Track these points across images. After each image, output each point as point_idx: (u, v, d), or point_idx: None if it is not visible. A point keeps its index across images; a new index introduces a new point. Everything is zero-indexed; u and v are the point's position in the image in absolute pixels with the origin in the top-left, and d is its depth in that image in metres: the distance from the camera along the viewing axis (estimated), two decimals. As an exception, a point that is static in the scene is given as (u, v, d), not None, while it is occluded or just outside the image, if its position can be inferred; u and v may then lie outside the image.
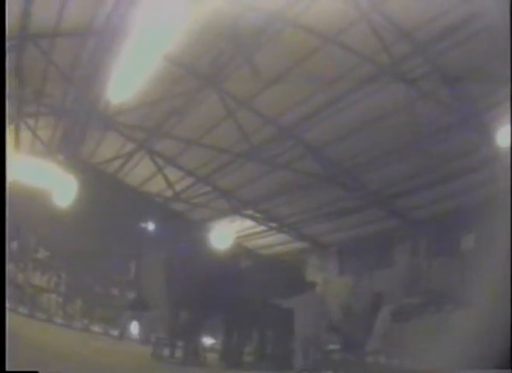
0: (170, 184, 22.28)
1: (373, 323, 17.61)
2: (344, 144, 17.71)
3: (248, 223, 24.87)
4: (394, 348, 16.72)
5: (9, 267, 19.55)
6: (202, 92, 17.13)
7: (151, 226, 25.95)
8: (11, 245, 20.98)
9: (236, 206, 23.76)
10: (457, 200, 18.30)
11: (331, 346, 18.21)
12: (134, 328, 23.47)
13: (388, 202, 20.37)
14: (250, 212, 24.14)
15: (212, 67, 15.64)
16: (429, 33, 12.81)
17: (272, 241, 26.45)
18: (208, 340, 17.53)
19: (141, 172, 23.29)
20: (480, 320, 14.33)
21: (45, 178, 18.58)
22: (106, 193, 22.20)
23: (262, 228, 25.43)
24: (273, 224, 25.05)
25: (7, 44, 7.82)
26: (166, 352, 16.37)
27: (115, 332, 21.15)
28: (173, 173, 22.37)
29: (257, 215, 24.49)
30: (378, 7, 12.58)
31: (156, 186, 23.45)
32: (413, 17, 12.55)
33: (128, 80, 13.97)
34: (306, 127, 17.54)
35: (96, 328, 20.89)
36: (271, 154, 18.59)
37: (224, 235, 23.02)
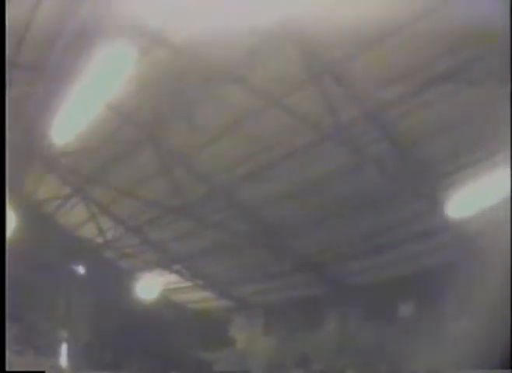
0: (101, 231, 22.20)
1: None
2: (279, 208, 17.81)
3: (176, 277, 24.73)
4: None
5: None
6: (140, 142, 17.16)
7: (81, 269, 25.66)
8: None
9: (165, 260, 23.71)
10: (395, 269, 18.54)
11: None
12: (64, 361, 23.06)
13: (319, 267, 20.44)
14: (177, 267, 24.01)
15: (152, 119, 15.73)
16: (380, 100, 12.91)
17: (199, 297, 26.13)
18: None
19: (77, 215, 23.12)
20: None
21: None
22: (44, 230, 22.07)
23: (189, 283, 25.27)
24: (200, 282, 24.86)
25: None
26: None
27: (48, 362, 20.74)
28: (106, 220, 22.32)
29: (185, 271, 24.33)
30: (330, 70, 12.70)
31: (90, 231, 23.35)
32: (367, 81, 12.73)
33: (70, 124, 14.20)
34: (242, 188, 17.54)
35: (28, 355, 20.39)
36: (204, 212, 18.63)
37: (151, 286, 22.91)
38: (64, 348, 24.37)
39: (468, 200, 13.72)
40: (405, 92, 12.41)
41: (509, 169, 11.40)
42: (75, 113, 13.83)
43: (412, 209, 15.80)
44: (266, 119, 14.37)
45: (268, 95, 13.77)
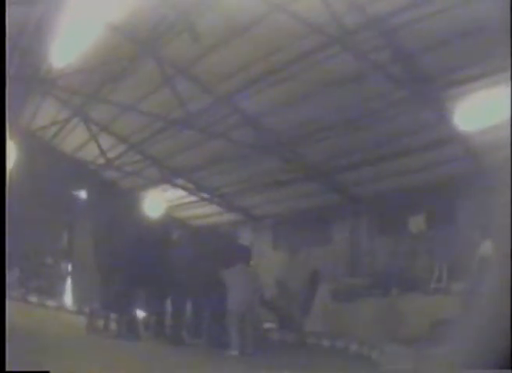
0: (102, 151, 22.07)
1: (312, 302, 17.54)
2: (284, 115, 17.48)
3: (180, 193, 24.70)
4: (338, 330, 16.64)
5: None
6: (140, 58, 16.69)
7: (83, 194, 25.67)
8: None
9: (168, 175, 23.62)
10: (405, 180, 18.46)
11: (268, 325, 18.06)
12: (68, 299, 23.17)
13: (328, 176, 20.33)
14: (182, 182, 23.91)
15: (152, 34, 15.21)
16: (384, 7, 12.52)
17: (204, 212, 26.32)
18: (141, 313, 17.16)
19: (75, 139, 22.81)
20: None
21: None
22: (42, 160, 21.94)
23: (194, 198, 25.30)
24: (205, 195, 24.84)
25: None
26: (100, 324, 15.91)
27: (51, 303, 20.90)
28: (107, 141, 22.13)
29: (189, 185, 24.24)
30: None
31: (90, 153, 23.18)
32: None
33: (70, 45, 13.99)
34: (245, 96, 17.10)
35: (32, 298, 20.52)
36: (207, 122, 18.28)
37: (155, 203, 22.92)
38: (68, 284, 24.71)
39: (477, 113, 13.67)
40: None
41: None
42: (75, 35, 13.67)
43: (420, 119, 15.63)
44: (267, 25, 13.87)
45: (271, 0, 13.38)
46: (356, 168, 18.72)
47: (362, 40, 13.38)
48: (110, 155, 22.29)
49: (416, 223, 18.85)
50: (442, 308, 13.90)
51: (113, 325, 15.81)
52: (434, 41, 12.88)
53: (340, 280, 19.25)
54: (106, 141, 21.97)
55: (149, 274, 15.06)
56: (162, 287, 15.65)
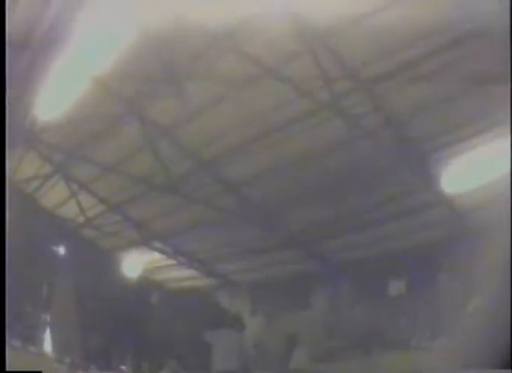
0: (82, 210, 21.80)
1: (289, 363, 17.22)
2: (267, 182, 17.50)
3: (158, 255, 24.33)
4: None
5: None
6: (124, 117, 16.58)
7: (62, 250, 25.29)
8: None
9: (147, 238, 23.32)
10: (386, 244, 18.47)
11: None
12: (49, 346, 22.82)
13: (307, 244, 20.34)
14: (160, 245, 23.61)
15: (138, 92, 15.28)
16: (374, 72, 12.78)
17: (183, 275, 25.85)
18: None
19: (57, 195, 22.58)
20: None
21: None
22: (23, 213, 21.59)
23: (172, 261, 24.92)
24: (183, 259, 24.51)
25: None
26: None
27: (34, 349, 20.53)
28: (87, 200, 21.87)
29: (168, 249, 23.94)
30: (324, 41, 12.47)
31: (70, 210, 22.79)
32: (359, 54, 12.60)
33: (55, 99, 13.87)
34: (228, 162, 17.20)
35: (15, 342, 20.13)
36: (189, 188, 18.19)
37: (133, 265, 22.64)
38: (48, 334, 24.24)
39: (463, 175, 13.67)
40: (400, 63, 12.31)
41: (508, 144, 11.21)
42: (58, 89, 13.53)
43: (405, 184, 15.73)
44: (260, 88, 14.01)
45: (259, 65, 13.46)
46: (338, 235, 18.80)
47: (352, 105, 13.57)
48: (90, 213, 21.94)
49: (397, 287, 18.90)
50: (423, 364, 13.64)
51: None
52: (420, 105, 13.11)
53: (319, 343, 18.96)
54: (86, 199, 21.61)
55: (127, 334, 15.01)
56: (139, 347, 15.58)
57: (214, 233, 21.06)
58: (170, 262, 24.98)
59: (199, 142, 16.97)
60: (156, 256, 24.18)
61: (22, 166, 20.63)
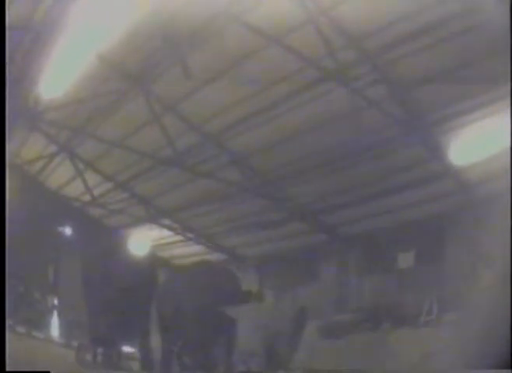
0: (88, 188, 21.81)
1: (299, 339, 17.12)
2: (273, 154, 17.44)
3: (166, 232, 24.36)
4: (327, 366, 16.37)
5: None
6: (129, 93, 16.48)
7: (68, 230, 25.30)
8: None
9: (154, 214, 23.33)
10: (394, 216, 18.38)
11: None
12: (56, 331, 22.96)
13: (316, 216, 20.24)
14: (167, 221, 23.63)
15: (142, 68, 15.21)
16: (378, 41, 12.68)
17: (190, 251, 25.92)
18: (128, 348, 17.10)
19: (61, 174, 22.57)
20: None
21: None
22: (28, 195, 21.59)
23: (179, 237, 24.98)
24: (191, 235, 24.58)
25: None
26: (88, 357, 15.90)
27: (40, 335, 20.62)
28: (93, 178, 21.85)
29: (175, 225, 24.01)
30: (327, 11, 12.30)
31: (76, 189, 22.79)
32: (363, 24, 12.42)
33: (59, 77, 13.82)
34: (233, 135, 17.06)
35: (20, 329, 20.19)
36: (194, 161, 18.19)
37: (141, 242, 22.62)
38: (55, 318, 24.33)
39: (469, 147, 13.62)
40: (403, 35, 12.26)
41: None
42: (64, 67, 13.51)
43: (412, 155, 15.64)
44: (264, 59, 13.85)
45: (263, 35, 13.30)
46: (345, 207, 18.66)
47: (357, 75, 13.35)
48: (96, 192, 21.95)
49: (405, 259, 18.79)
50: (432, 341, 13.64)
51: (101, 359, 15.88)
52: (427, 75, 12.93)
53: (328, 317, 18.98)
54: (92, 177, 21.63)
55: (136, 311, 15.04)
56: (150, 324, 15.65)
57: (220, 207, 21.06)
58: (177, 238, 25.01)
59: (203, 115, 16.85)
60: (164, 232, 24.14)
61: (26, 146, 20.70)
